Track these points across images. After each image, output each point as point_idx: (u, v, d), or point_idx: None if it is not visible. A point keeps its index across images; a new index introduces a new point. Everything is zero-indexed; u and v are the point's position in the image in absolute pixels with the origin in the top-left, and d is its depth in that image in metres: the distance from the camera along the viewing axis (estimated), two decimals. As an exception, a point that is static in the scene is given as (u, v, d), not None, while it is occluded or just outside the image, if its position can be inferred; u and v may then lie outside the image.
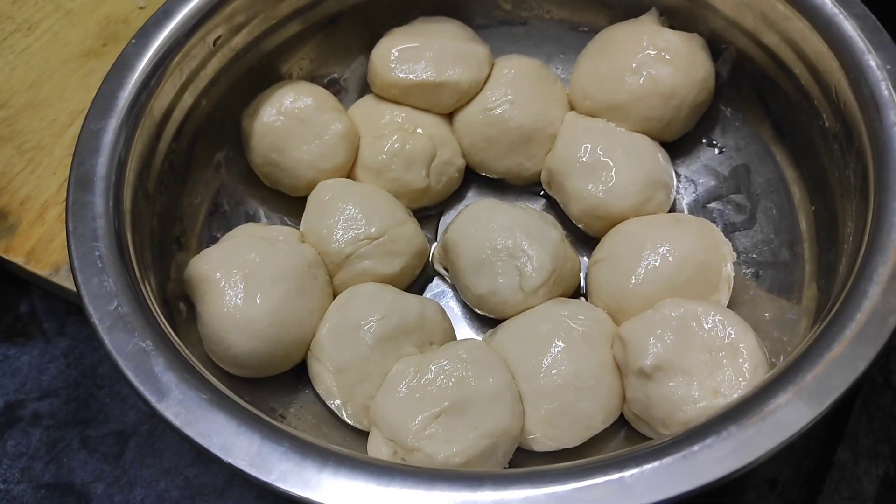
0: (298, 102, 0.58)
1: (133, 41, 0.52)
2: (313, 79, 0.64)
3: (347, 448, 0.40)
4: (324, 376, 0.50)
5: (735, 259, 0.53)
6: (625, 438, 0.50)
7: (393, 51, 0.60)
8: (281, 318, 0.49)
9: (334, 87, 0.65)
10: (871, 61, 0.48)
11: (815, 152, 0.54)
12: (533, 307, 0.52)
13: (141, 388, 0.40)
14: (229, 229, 0.56)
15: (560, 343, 0.49)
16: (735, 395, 0.43)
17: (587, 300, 0.55)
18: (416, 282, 0.58)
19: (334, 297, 0.53)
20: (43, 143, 0.66)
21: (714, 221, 0.58)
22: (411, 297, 0.53)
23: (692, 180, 0.62)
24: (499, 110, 0.59)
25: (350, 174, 0.60)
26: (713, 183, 0.61)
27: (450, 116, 0.62)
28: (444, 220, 0.62)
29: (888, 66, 0.48)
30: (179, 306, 0.52)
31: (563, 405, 0.47)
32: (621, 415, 0.49)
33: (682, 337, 0.46)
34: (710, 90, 0.59)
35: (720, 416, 0.38)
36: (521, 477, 0.36)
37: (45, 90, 0.69)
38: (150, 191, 0.51)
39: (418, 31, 0.62)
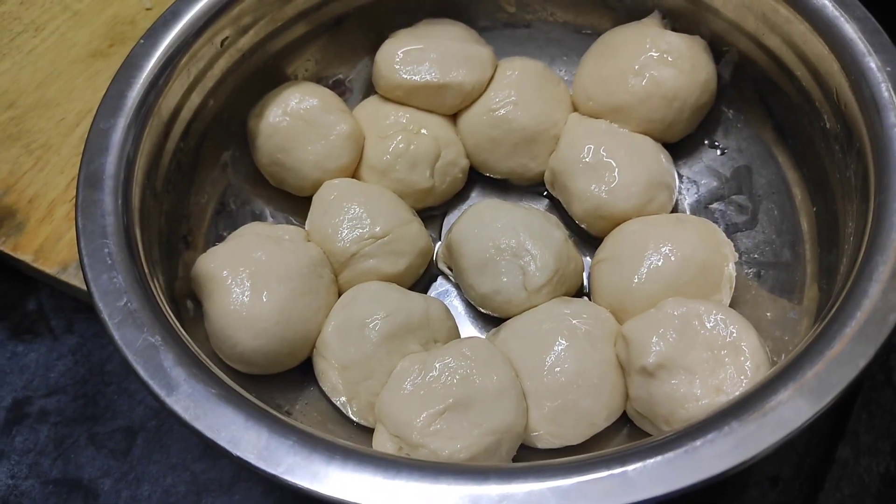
0: (304, 103, 0.58)
1: (142, 41, 0.52)
2: (319, 80, 0.64)
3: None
4: (329, 373, 0.50)
5: (737, 259, 0.53)
6: (627, 436, 0.50)
7: (398, 52, 0.60)
8: (287, 316, 0.49)
9: (339, 88, 0.65)
10: (872, 63, 0.48)
11: (817, 154, 0.54)
12: (536, 306, 0.53)
13: (151, 382, 0.40)
14: (236, 228, 0.56)
15: (563, 341, 0.49)
16: (737, 393, 0.43)
17: (590, 300, 0.56)
18: (421, 281, 0.59)
19: (339, 295, 0.54)
20: (51, 142, 0.66)
21: (716, 222, 0.58)
22: (416, 296, 0.53)
23: (694, 181, 0.62)
24: (502, 111, 0.60)
25: (355, 174, 0.60)
26: (715, 184, 0.61)
27: (454, 117, 0.62)
28: (448, 220, 0.63)
29: (888, 68, 0.48)
30: (187, 304, 0.52)
31: (567, 403, 0.48)
32: (624, 412, 0.50)
33: (685, 335, 0.47)
34: (712, 92, 0.60)
35: (722, 411, 0.38)
36: (526, 471, 0.36)
37: (53, 90, 0.69)
38: (158, 189, 0.52)
39: (423, 32, 0.63)
